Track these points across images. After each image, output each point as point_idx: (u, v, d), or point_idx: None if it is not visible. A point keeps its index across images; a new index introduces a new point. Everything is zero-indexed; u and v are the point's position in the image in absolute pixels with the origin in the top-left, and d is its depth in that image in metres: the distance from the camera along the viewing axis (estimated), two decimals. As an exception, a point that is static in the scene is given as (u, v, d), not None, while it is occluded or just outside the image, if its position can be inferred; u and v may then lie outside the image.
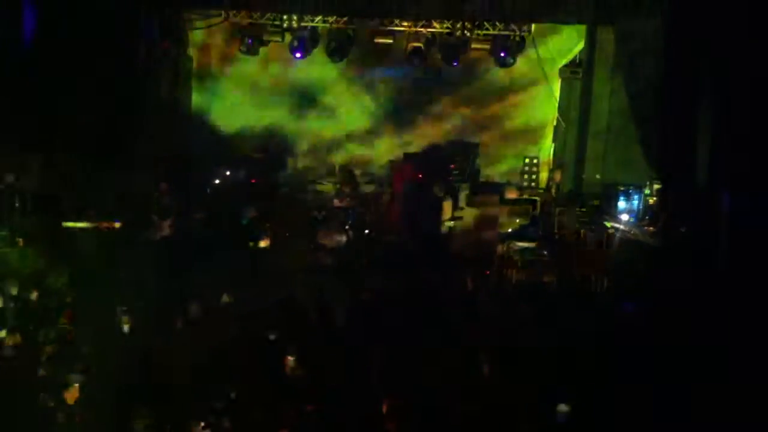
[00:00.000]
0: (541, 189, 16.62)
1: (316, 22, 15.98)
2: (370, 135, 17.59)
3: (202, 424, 7.12)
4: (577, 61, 16.48)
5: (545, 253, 13.07)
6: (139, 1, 14.21)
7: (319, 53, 16.41)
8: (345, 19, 15.80)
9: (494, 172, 17.36)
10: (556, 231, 14.02)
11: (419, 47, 16.08)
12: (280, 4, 15.50)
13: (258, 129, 17.31)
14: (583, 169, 15.44)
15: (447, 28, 15.93)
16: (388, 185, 16.78)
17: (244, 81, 17.24)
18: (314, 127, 17.50)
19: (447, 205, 14.46)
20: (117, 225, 12.67)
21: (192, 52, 17.02)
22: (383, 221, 16.53)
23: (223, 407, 7.43)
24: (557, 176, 15.74)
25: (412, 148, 17.33)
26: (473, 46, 16.13)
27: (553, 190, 15.56)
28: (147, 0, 14.43)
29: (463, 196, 15.31)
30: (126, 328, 9.62)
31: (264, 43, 16.34)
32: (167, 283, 11.05)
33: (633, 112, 14.03)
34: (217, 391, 7.75)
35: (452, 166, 16.50)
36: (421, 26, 15.99)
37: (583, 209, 14.12)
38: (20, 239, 11.69)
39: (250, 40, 16.04)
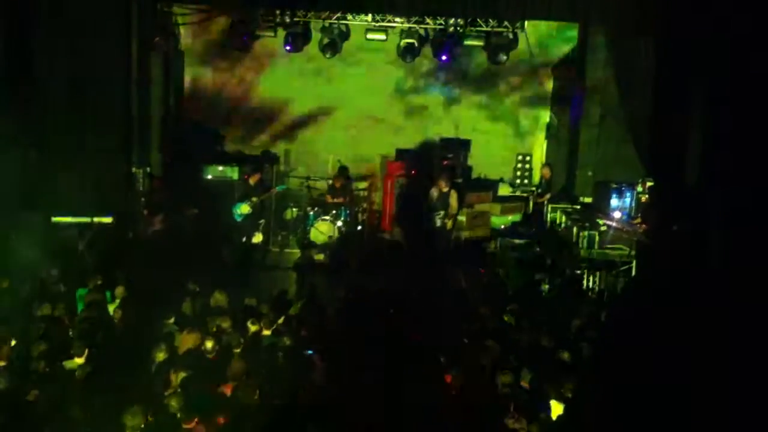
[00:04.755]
0: (533, 186, 16.68)
1: (309, 18, 15.95)
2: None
3: (196, 420, 7.09)
4: (570, 58, 16.52)
5: (538, 250, 13.10)
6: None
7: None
8: (338, 14, 15.78)
9: (487, 169, 17.38)
10: (548, 228, 14.07)
11: (412, 44, 16.07)
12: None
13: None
14: (576, 167, 15.47)
15: (440, 24, 15.93)
16: (381, 182, 16.77)
17: (236, 76, 17.26)
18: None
19: (453, 198, 14.41)
20: (108, 220, 12.61)
21: (184, 47, 16.99)
22: (376, 218, 16.56)
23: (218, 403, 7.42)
24: (546, 173, 15.78)
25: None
26: (466, 43, 16.13)
27: (544, 188, 15.60)
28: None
29: (455, 193, 15.30)
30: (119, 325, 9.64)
31: (256, 38, 16.31)
32: (159, 279, 11.01)
33: (625, 110, 14.06)
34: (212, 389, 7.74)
35: (444, 162, 16.52)
36: (414, 22, 15.99)
37: (576, 206, 14.16)
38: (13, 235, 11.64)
39: (243, 36, 16.00)
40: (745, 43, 10.63)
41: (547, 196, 15.28)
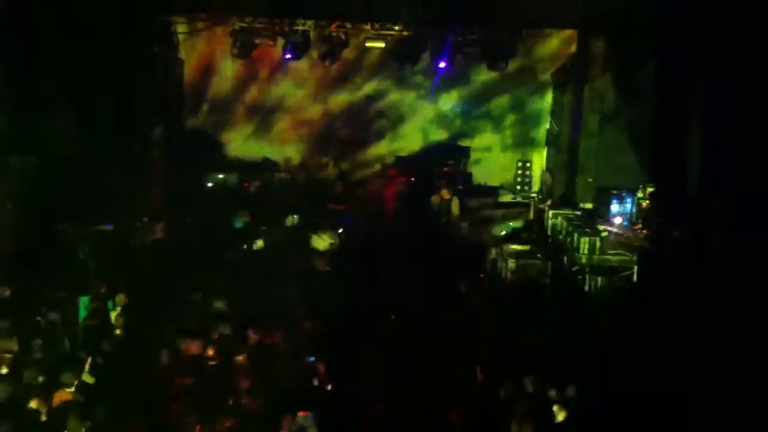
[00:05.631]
0: (534, 193, 16.67)
1: (308, 26, 15.98)
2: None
3: (198, 427, 7.09)
4: (569, 65, 16.54)
5: (539, 256, 13.10)
6: (131, 6, 14.13)
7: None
8: (337, 22, 15.80)
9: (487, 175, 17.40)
10: (549, 234, 14.07)
11: (411, 51, 16.09)
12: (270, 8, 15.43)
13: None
14: (576, 173, 15.47)
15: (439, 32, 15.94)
16: (381, 188, 16.79)
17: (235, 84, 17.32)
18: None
19: (455, 205, 14.47)
20: (109, 228, 12.61)
21: (183, 55, 17.02)
22: (376, 224, 16.53)
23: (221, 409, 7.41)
24: (547, 179, 15.79)
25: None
26: (465, 50, 16.14)
27: (545, 194, 15.60)
28: (138, 4, 14.34)
29: (456, 200, 15.33)
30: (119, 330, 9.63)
31: (255, 46, 16.33)
32: (160, 286, 11.01)
33: (625, 116, 14.07)
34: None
35: (444, 169, 16.53)
36: (413, 30, 16.00)
37: (577, 212, 14.16)
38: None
39: (241, 44, 16.03)
40: (744, 48, 10.66)
41: (548, 202, 15.27)
